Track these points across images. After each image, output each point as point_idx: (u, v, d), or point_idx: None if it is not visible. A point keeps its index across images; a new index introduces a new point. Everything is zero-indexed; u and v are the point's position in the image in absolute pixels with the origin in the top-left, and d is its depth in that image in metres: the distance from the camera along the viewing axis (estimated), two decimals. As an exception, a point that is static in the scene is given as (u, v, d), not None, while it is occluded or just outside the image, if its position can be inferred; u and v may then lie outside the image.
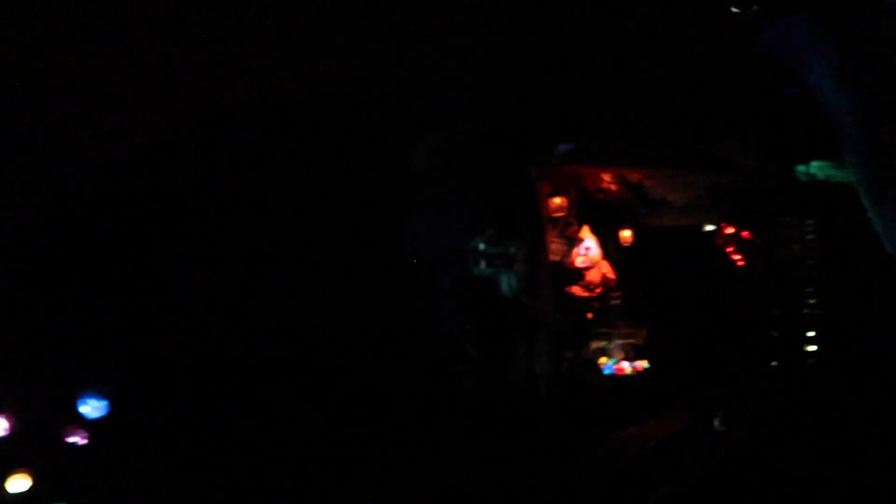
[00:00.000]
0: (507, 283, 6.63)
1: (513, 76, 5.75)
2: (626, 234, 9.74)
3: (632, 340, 9.82)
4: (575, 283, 8.83)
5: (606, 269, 8.99)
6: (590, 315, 8.88)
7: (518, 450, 6.34)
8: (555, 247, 8.75)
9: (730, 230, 17.46)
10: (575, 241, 8.82)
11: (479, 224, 6.72)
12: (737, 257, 17.10)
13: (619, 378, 8.60)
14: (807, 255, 15.58)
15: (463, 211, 6.68)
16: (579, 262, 8.62)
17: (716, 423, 11.13)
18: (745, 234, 17.56)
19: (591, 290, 8.86)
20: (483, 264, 6.52)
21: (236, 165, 5.20)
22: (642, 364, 9.59)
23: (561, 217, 8.33)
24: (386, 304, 6.22)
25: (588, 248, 8.81)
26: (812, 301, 14.00)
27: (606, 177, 8.72)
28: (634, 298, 10.36)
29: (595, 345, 8.86)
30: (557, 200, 8.12)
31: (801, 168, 7.62)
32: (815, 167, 7.47)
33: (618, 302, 9.07)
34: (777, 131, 6.80)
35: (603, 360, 8.75)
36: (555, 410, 7.53)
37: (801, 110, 6.39)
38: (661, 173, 8.25)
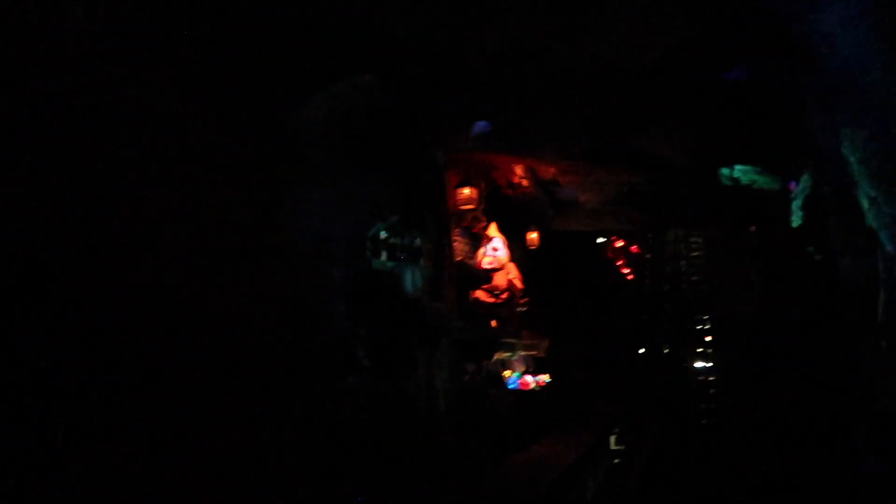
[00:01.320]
0: (411, 279, 5.55)
1: (434, 26, 4.71)
2: (532, 237, 8.97)
3: (534, 352, 9.07)
4: (479, 286, 7.90)
5: (514, 273, 8.14)
6: (494, 323, 7.98)
7: (415, 477, 5.26)
8: (459, 245, 7.78)
9: (619, 243, 17.51)
10: (482, 239, 7.90)
11: (380, 209, 5.60)
12: (626, 271, 17.14)
13: (522, 393, 7.74)
14: (692, 271, 15.82)
15: (361, 191, 5.54)
16: (486, 262, 7.71)
17: (612, 440, 10.66)
18: (633, 247, 17.66)
19: (496, 296, 7.97)
20: (384, 256, 5.39)
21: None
22: (544, 378, 8.85)
23: (469, 210, 7.37)
24: (260, 302, 4.92)
25: (496, 249, 7.92)
26: (703, 317, 14.12)
27: (519, 170, 7.88)
28: (537, 307, 9.63)
29: (498, 356, 7.97)
30: (466, 191, 7.15)
31: (724, 171, 7.18)
32: (739, 171, 7.05)
33: (524, 309, 8.24)
34: (709, 125, 6.24)
35: (507, 373, 7.87)
36: (455, 430, 6.51)
37: (740, 101, 5.85)
38: (578, 168, 7.53)
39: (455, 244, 7.55)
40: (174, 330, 4.27)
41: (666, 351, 13.14)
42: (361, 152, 5.62)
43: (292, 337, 4.88)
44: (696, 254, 15.96)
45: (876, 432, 4.50)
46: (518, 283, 8.17)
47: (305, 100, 5.10)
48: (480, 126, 6.34)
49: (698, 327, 13.80)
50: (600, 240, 17.02)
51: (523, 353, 8.52)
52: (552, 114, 6.31)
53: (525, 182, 8.11)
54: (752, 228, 10.65)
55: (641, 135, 6.66)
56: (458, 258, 7.69)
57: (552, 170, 7.88)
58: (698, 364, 12.98)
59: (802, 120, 5.03)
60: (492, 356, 7.63)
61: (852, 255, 4.54)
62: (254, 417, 4.40)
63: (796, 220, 6.21)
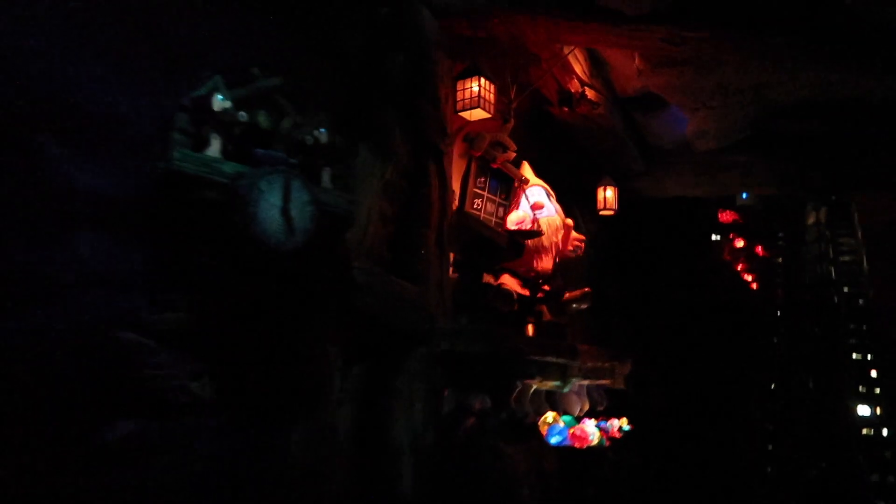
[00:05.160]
0: (291, 213, 2.42)
1: None
2: (608, 196, 5.59)
3: (605, 381, 5.68)
4: (503, 265, 4.66)
5: (569, 245, 4.83)
6: (531, 328, 4.70)
7: None
8: (475, 190, 4.59)
9: (740, 243, 13.50)
10: (513, 184, 4.65)
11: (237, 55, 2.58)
12: (748, 278, 13.09)
13: (575, 454, 4.39)
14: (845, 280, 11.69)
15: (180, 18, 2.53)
16: (513, 222, 4.45)
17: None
18: (758, 248, 13.57)
19: (533, 284, 4.69)
20: (214, 149, 2.30)
21: None
22: (619, 425, 5.46)
23: (485, 134, 4.19)
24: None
25: (539, 205, 4.66)
26: (864, 343, 10.04)
27: (580, 67, 4.58)
28: (609, 309, 6.24)
29: (534, 385, 4.69)
30: (475, 88, 3.96)
31: None
32: None
33: (585, 305, 4.87)
34: None
35: (549, 416, 4.55)
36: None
37: None
38: (702, 49, 4.01)
39: (458, 184, 4.39)
40: None
41: (810, 389, 9.20)
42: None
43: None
44: (847, 258, 11.85)
45: None
46: (576, 239, 4.82)
47: None
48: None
49: (857, 357, 9.73)
50: (714, 237, 13.23)
51: (584, 381, 5.17)
52: None
53: (592, 95, 4.80)
54: None
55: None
56: (466, 209, 4.51)
57: (640, 67, 4.51)
58: (861, 410, 8.97)
59: None
60: (516, 386, 4.35)
61: None
62: None
63: None
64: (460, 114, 3.95)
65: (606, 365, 5.59)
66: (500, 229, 4.37)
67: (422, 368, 3.63)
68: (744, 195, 14.94)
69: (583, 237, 4.84)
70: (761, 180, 5.89)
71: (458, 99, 3.96)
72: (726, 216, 13.55)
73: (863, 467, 7.59)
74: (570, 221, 4.75)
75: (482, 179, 5.00)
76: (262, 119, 2.55)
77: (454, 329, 3.65)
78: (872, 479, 7.51)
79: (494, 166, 4.40)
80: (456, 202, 4.73)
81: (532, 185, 4.76)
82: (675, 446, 6.37)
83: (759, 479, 7.37)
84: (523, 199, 4.63)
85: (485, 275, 4.49)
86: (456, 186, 5.04)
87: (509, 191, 4.77)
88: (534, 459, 3.97)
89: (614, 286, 6.56)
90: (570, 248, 4.75)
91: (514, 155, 4.40)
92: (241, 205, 2.32)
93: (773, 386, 9.67)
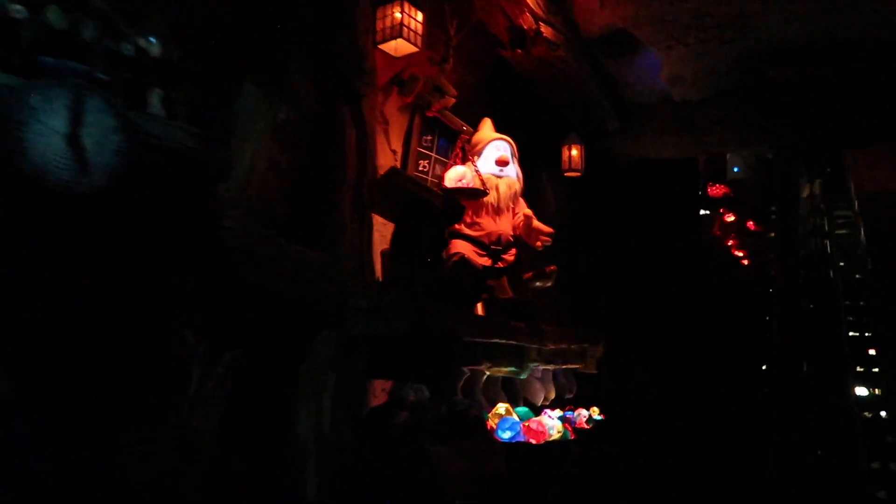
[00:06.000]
0: (99, 140, 1.76)
1: None
2: (573, 155, 4.91)
3: (574, 365, 5.05)
4: (453, 229, 3.99)
5: (527, 218, 4.15)
6: (479, 305, 4.03)
7: None
8: (417, 148, 3.91)
9: (730, 217, 12.84)
10: (459, 138, 3.96)
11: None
12: (740, 254, 12.43)
13: (530, 452, 3.74)
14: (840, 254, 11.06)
15: None
16: (451, 180, 3.76)
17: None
18: (750, 223, 12.91)
19: (493, 253, 4.02)
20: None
21: None
22: (590, 415, 4.85)
23: (417, 76, 3.49)
24: None
25: (503, 160, 3.99)
26: (862, 320, 9.42)
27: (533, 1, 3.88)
28: (582, 284, 5.60)
29: (486, 371, 4.04)
30: (397, 14, 3.26)
31: None
32: None
33: (549, 284, 4.19)
34: None
35: (500, 408, 3.89)
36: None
37: None
38: None
39: (401, 143, 3.72)
40: None
41: (805, 371, 8.57)
42: None
43: None
44: (843, 231, 11.27)
45: None
46: (545, 231, 4.14)
47: None
48: None
49: (855, 335, 9.12)
50: (704, 212, 12.58)
51: (546, 365, 4.53)
52: None
53: (550, 33, 4.10)
54: None
55: None
56: (410, 172, 3.84)
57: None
58: (860, 391, 8.36)
59: None
60: (462, 373, 3.70)
61: None
62: None
63: None
64: (380, 46, 3.26)
65: (575, 347, 4.96)
66: (437, 189, 3.69)
67: (332, 355, 2.96)
68: (735, 168, 14.31)
69: (550, 230, 4.16)
70: (752, 138, 5.19)
71: (378, 29, 3.27)
72: (716, 190, 12.93)
73: (862, 454, 6.98)
74: (529, 212, 4.09)
75: (429, 138, 4.33)
76: (54, 17, 1.85)
77: (370, 306, 2.98)
78: (873, 466, 6.90)
79: (430, 114, 3.72)
80: (399, 163, 4.08)
81: (496, 139, 4.07)
82: (657, 436, 5.74)
83: (750, 471, 6.75)
84: (487, 155, 3.97)
85: (452, 246, 3.83)
86: (398, 146, 4.39)
87: (442, 143, 4.12)
88: (475, 460, 3.32)
89: (589, 259, 5.91)
90: (538, 243, 4.11)
91: (453, 101, 3.71)
92: (1, 128, 1.64)
93: (764, 367, 9.05)
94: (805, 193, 11.82)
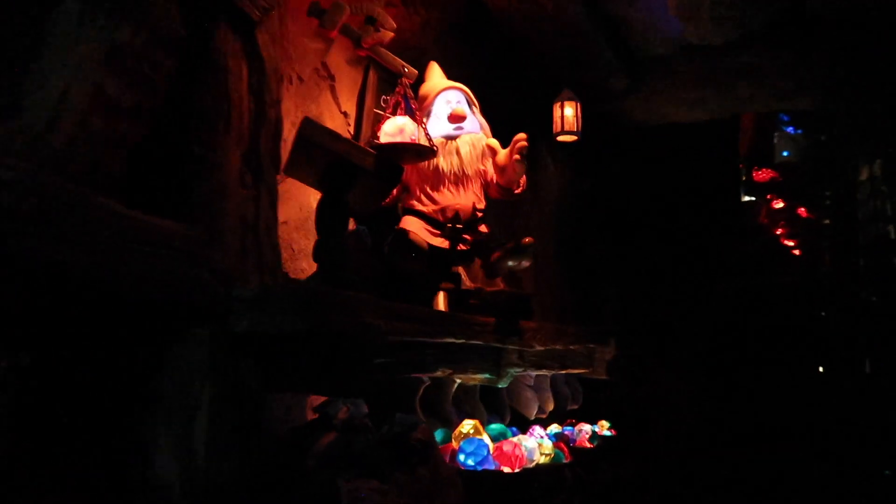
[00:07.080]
0: None
1: None
2: (567, 114, 4.04)
3: (579, 370, 4.21)
4: (407, 205, 3.21)
5: (492, 153, 3.31)
6: (440, 297, 3.20)
7: None
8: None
9: (779, 204, 11.62)
10: (399, 86, 3.16)
11: None
12: (790, 244, 11.20)
13: (505, 482, 2.90)
14: None
15: None
16: (386, 133, 2.95)
17: None
18: (801, 210, 11.65)
19: (452, 232, 3.20)
20: None
21: None
22: (595, 430, 3.98)
23: (342, 2, 2.73)
24: None
25: (458, 115, 3.18)
26: None
27: None
28: (592, 273, 4.72)
29: (457, 379, 3.24)
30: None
31: None
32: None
33: (526, 262, 3.33)
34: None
35: (466, 427, 3.05)
36: None
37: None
38: None
39: (353, 105, 2.95)
40: None
41: (867, 371, 7.41)
42: None
43: None
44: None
45: None
46: (513, 151, 3.20)
47: None
48: None
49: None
50: (747, 199, 11.44)
51: (537, 370, 3.69)
52: None
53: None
54: None
55: None
56: (363, 141, 3.07)
57: None
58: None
59: None
60: (415, 384, 2.89)
61: None
62: None
63: None
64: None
65: (577, 348, 4.09)
66: (368, 146, 2.90)
67: (206, 361, 2.20)
68: (784, 153, 13.10)
69: (520, 134, 3.16)
70: (789, 90, 4.21)
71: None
72: (763, 174, 11.76)
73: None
74: (492, 142, 3.26)
75: (388, 99, 3.55)
76: None
77: (255, 295, 2.21)
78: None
79: (361, 53, 2.93)
80: (352, 129, 3.34)
81: (445, 88, 3.29)
82: (685, 455, 4.79)
83: (803, 489, 5.72)
84: (439, 106, 3.18)
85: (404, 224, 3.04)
86: (350, 108, 3.65)
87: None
88: (416, 499, 2.49)
89: (599, 244, 5.03)
90: (516, 157, 3.12)
91: (391, 35, 2.92)
92: None
93: (820, 370, 7.93)
94: (864, 176, 10.67)
